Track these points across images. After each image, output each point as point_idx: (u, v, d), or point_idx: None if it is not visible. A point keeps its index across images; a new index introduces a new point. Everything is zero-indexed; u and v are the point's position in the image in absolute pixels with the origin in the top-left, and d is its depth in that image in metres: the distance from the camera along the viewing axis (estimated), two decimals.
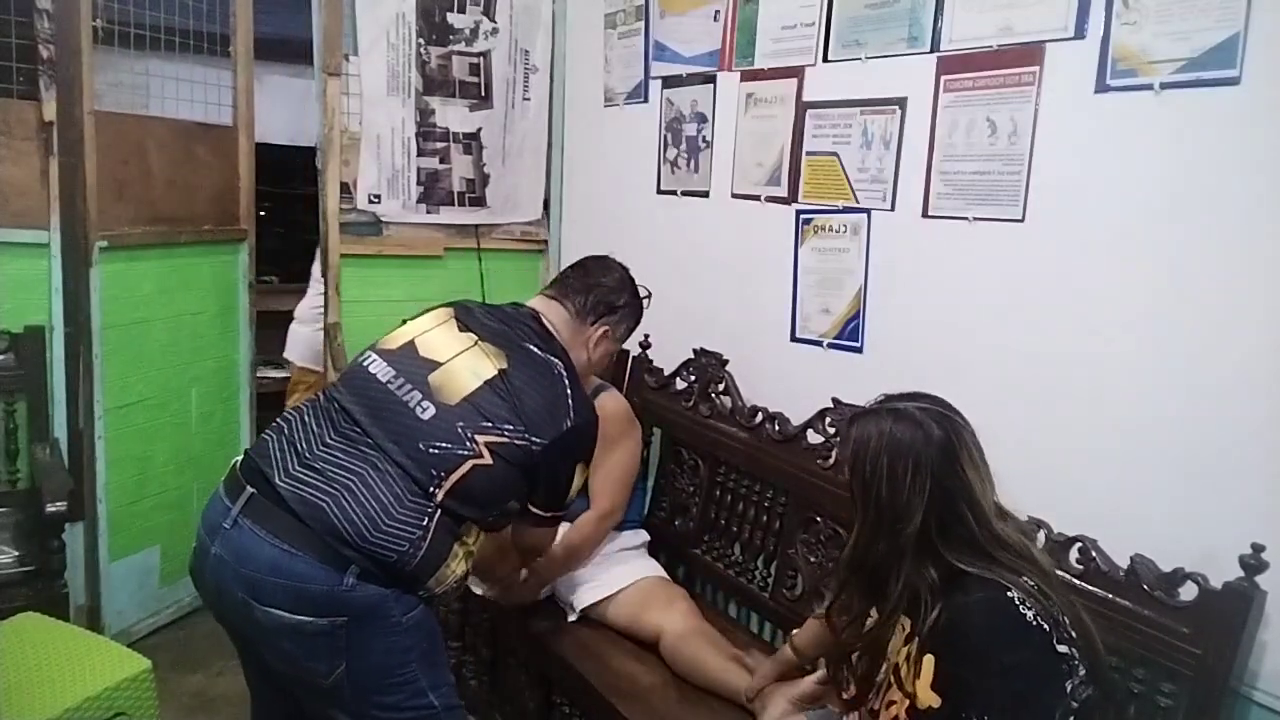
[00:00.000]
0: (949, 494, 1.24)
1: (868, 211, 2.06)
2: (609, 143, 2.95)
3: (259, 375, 3.42)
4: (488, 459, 1.50)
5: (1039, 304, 1.73)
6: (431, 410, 1.51)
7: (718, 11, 2.44)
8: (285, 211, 4.32)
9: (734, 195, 2.43)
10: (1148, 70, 1.54)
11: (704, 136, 2.53)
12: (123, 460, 2.78)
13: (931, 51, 1.90)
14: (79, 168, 2.56)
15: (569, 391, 1.61)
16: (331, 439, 1.51)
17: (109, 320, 2.67)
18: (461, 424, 1.50)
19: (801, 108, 2.21)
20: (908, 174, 1.97)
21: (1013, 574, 1.21)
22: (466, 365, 1.57)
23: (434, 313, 1.70)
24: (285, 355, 3.44)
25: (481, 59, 3.00)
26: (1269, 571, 1.34)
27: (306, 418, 1.57)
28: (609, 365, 1.81)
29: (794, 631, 1.75)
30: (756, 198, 2.35)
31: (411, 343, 1.62)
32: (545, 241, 3.21)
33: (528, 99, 3.12)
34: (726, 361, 2.38)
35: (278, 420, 1.61)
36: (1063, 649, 1.18)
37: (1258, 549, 1.34)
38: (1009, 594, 1.19)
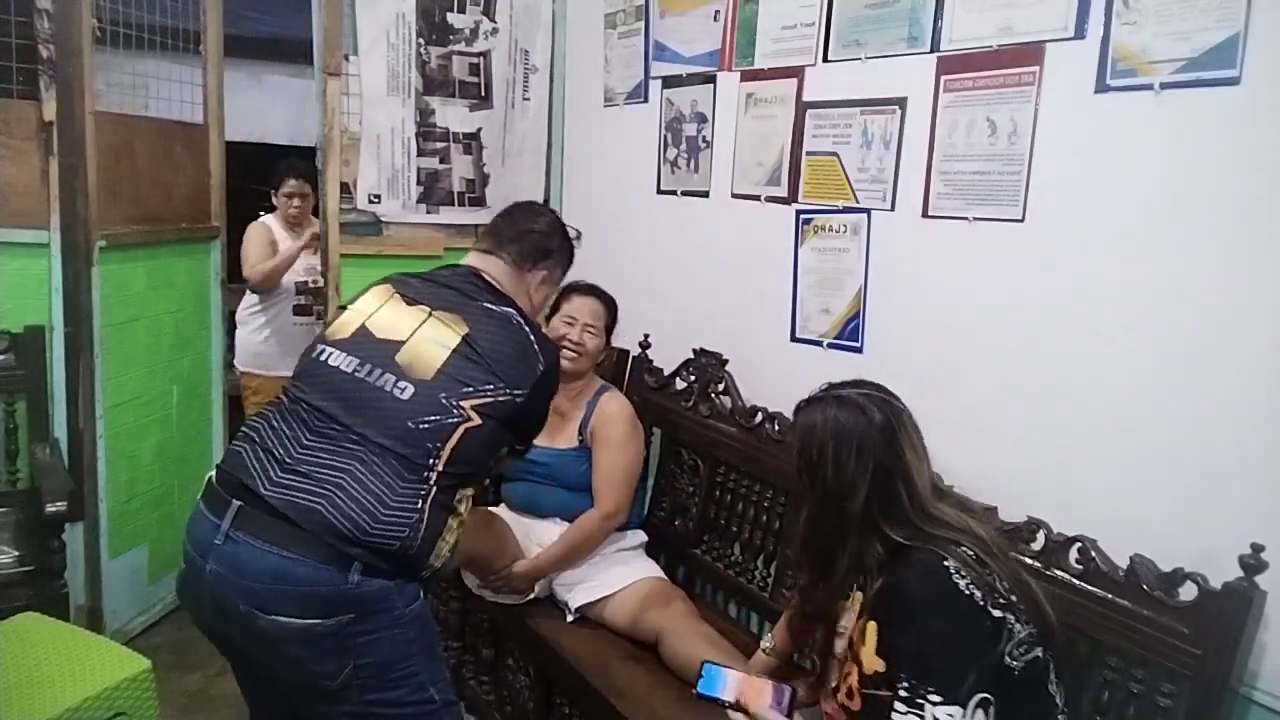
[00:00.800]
0: (888, 473, 1.33)
1: (868, 211, 2.06)
2: (609, 143, 2.95)
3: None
4: (477, 420, 1.52)
5: (1039, 304, 1.73)
6: (410, 389, 1.51)
7: (718, 11, 2.44)
8: None
9: (734, 195, 2.43)
10: (1148, 70, 1.54)
11: (704, 136, 2.53)
12: (117, 459, 2.78)
13: (931, 51, 1.90)
14: (79, 168, 2.56)
15: (531, 337, 1.64)
16: (309, 440, 1.49)
17: (105, 319, 2.68)
18: (444, 395, 1.52)
19: (801, 108, 2.21)
20: (908, 174, 1.96)
21: (952, 545, 1.29)
22: (429, 337, 1.57)
23: (372, 292, 1.70)
24: (235, 361, 3.48)
25: (481, 59, 3.00)
26: (1269, 571, 1.34)
27: (276, 423, 1.54)
28: (545, 307, 1.89)
29: (765, 639, 1.80)
30: (756, 198, 2.35)
31: (363, 327, 1.61)
32: None
33: (528, 99, 3.12)
34: (726, 361, 2.38)
35: (244, 429, 1.58)
36: (997, 614, 1.26)
37: (1257, 549, 1.34)
38: (945, 563, 1.27)
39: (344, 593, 1.40)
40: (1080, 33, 1.64)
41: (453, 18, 2.94)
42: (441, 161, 2.99)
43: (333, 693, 1.44)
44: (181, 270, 3.06)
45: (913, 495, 1.34)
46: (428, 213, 2.99)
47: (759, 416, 2.23)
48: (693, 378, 2.45)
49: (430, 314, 1.61)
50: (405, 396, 1.51)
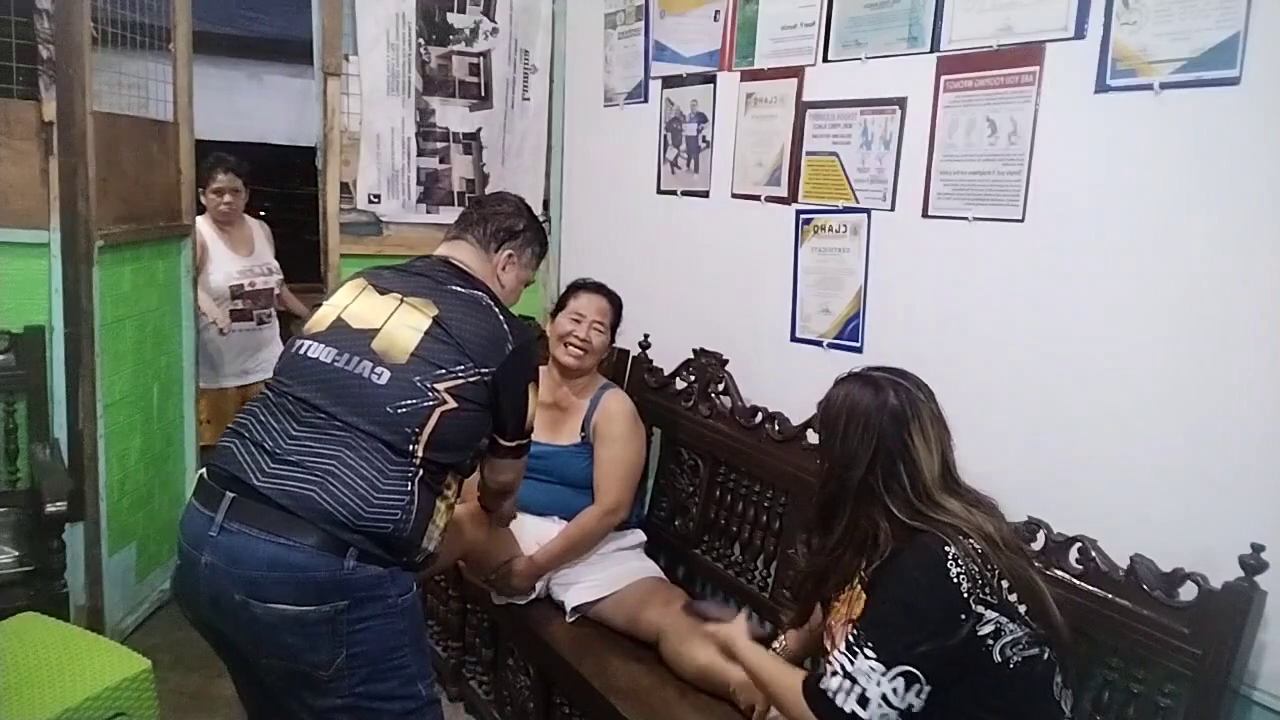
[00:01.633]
0: (890, 454, 1.38)
1: (868, 211, 2.06)
2: (609, 143, 2.95)
3: None
4: (452, 403, 1.55)
5: (1038, 304, 1.73)
6: (386, 374, 1.55)
7: (718, 11, 2.44)
8: (286, 212, 4.33)
9: (734, 195, 2.43)
10: (1148, 70, 1.54)
11: (704, 136, 2.53)
12: (110, 459, 2.78)
13: (931, 51, 1.90)
14: (79, 168, 2.55)
15: (501, 318, 1.67)
16: (297, 430, 1.53)
17: (101, 319, 2.67)
18: (418, 378, 1.55)
19: (801, 108, 2.21)
20: (908, 174, 1.97)
21: (960, 535, 1.32)
22: (402, 322, 1.61)
23: (346, 287, 1.74)
24: None
25: (481, 59, 3.00)
26: (1269, 571, 1.34)
27: (263, 416, 1.57)
28: (519, 296, 1.89)
29: (776, 640, 1.78)
30: (756, 198, 2.35)
31: (340, 319, 1.65)
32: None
33: (527, 99, 3.12)
34: (726, 361, 2.38)
35: (231, 427, 1.61)
36: (978, 608, 1.28)
37: (1257, 549, 1.34)
38: (945, 548, 1.30)
39: (339, 579, 1.43)
40: (1080, 33, 1.64)
41: (453, 18, 2.94)
42: (441, 161, 2.99)
43: (325, 683, 1.46)
44: (160, 269, 3.03)
45: (915, 479, 1.37)
46: (427, 213, 3.00)
47: (759, 416, 2.23)
48: (693, 378, 2.45)
49: (402, 301, 1.65)
50: (382, 382, 1.54)
